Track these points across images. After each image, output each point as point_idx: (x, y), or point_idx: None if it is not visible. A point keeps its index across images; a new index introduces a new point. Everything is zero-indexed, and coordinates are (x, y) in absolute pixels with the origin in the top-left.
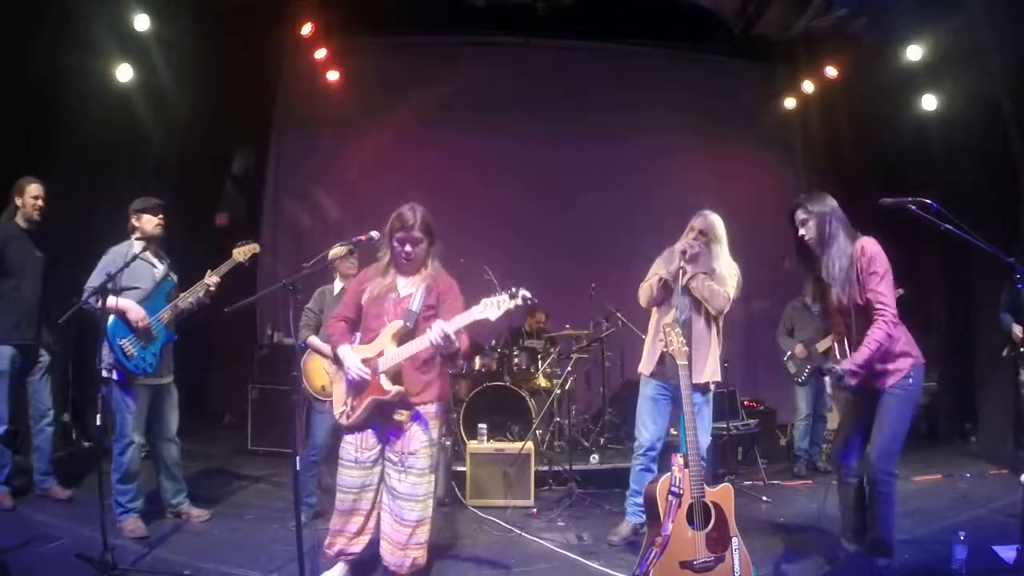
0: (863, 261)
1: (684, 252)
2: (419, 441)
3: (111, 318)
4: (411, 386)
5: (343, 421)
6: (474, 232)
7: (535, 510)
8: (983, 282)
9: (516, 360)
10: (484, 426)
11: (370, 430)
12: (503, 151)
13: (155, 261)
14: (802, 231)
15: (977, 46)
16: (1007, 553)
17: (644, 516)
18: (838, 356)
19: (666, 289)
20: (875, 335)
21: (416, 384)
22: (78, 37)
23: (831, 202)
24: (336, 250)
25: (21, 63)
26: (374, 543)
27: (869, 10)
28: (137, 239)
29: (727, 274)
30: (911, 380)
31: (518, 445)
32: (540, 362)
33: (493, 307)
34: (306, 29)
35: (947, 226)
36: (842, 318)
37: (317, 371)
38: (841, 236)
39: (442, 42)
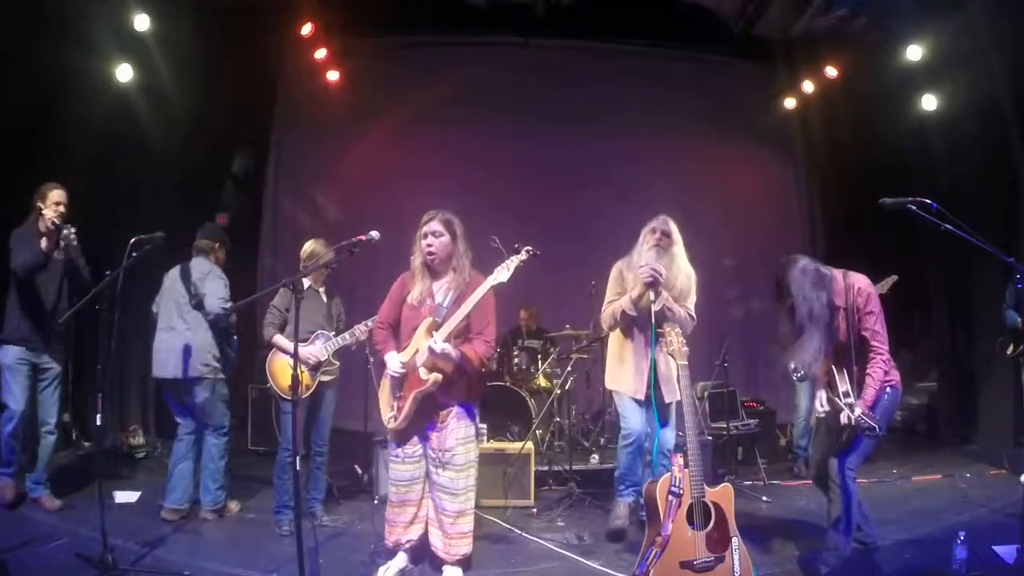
0: (859, 300)
1: (655, 282)
2: (455, 438)
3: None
4: (447, 386)
5: (391, 425)
6: (472, 232)
7: (535, 510)
8: (983, 282)
9: (516, 360)
10: (484, 426)
11: (412, 428)
12: (503, 151)
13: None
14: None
15: (977, 46)
16: (1007, 553)
17: (636, 495)
18: (838, 385)
19: (631, 315)
20: (876, 374)
21: (451, 385)
22: (78, 37)
23: (797, 268)
24: (329, 255)
25: (21, 63)
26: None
27: (869, 10)
28: (205, 260)
29: (691, 285)
30: (886, 397)
31: (518, 445)
32: (540, 362)
33: (503, 271)
34: (306, 29)
35: (947, 226)
36: (837, 349)
37: (284, 370)
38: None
39: (442, 42)
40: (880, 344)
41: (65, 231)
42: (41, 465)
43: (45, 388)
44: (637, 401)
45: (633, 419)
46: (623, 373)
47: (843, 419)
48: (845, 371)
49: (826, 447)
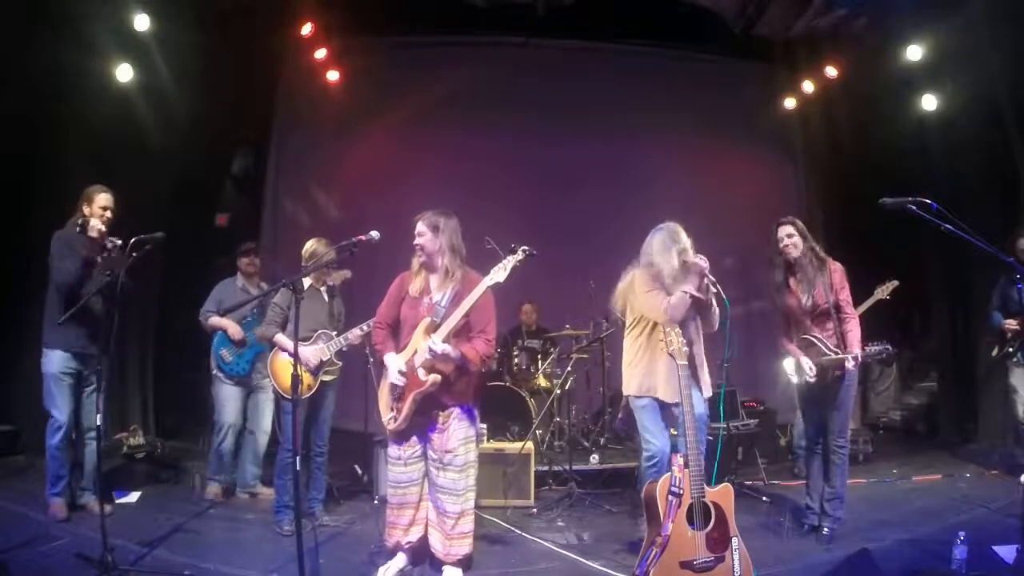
0: (835, 276)
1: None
2: (456, 439)
3: (218, 334)
4: (447, 387)
5: (391, 426)
6: (472, 232)
7: (535, 510)
8: (983, 282)
9: (516, 360)
10: (484, 426)
11: (412, 429)
12: (503, 151)
13: (251, 290)
14: (787, 243)
15: (977, 46)
16: (1007, 553)
17: None
18: (822, 347)
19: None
20: (854, 331)
21: (451, 386)
22: (78, 37)
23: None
24: (330, 255)
25: (21, 63)
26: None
27: (869, 10)
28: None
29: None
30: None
31: (518, 445)
32: (540, 362)
33: (500, 271)
34: (306, 29)
35: (947, 226)
36: (806, 318)
37: (286, 370)
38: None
39: (442, 42)
40: (851, 315)
41: (110, 244)
42: (88, 471)
43: (90, 395)
44: (664, 409)
45: (657, 437)
46: (654, 376)
47: (848, 365)
48: (823, 334)
49: (816, 419)
